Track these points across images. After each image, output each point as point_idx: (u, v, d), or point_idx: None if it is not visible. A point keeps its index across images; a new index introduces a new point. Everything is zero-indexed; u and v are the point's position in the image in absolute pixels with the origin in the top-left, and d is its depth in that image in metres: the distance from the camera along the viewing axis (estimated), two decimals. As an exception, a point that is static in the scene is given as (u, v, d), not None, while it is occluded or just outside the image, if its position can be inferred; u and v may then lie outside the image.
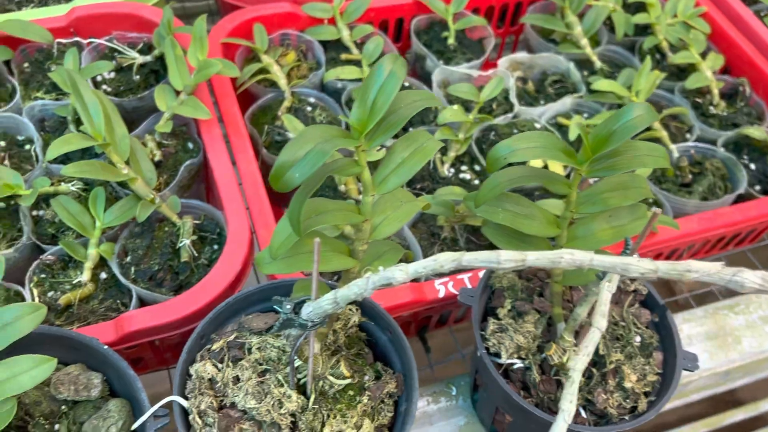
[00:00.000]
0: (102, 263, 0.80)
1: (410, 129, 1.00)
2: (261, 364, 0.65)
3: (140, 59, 0.99)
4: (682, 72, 1.15)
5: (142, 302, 0.79)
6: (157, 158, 0.89)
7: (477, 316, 0.70)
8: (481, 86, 0.97)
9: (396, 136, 0.94)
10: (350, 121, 0.52)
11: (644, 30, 1.19)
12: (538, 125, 1.02)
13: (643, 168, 0.61)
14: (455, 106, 0.93)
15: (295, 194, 0.52)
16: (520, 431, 0.74)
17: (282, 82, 0.99)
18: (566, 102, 1.06)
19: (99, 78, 0.99)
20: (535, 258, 0.40)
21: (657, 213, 0.51)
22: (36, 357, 0.57)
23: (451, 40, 1.12)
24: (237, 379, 0.64)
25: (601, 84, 1.04)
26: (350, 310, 0.69)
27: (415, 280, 0.83)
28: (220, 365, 0.65)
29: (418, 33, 1.14)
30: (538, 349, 0.71)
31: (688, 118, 1.07)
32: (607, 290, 0.60)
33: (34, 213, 0.84)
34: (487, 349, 0.69)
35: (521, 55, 1.12)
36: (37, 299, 0.76)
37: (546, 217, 0.64)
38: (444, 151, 0.97)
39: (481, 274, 0.75)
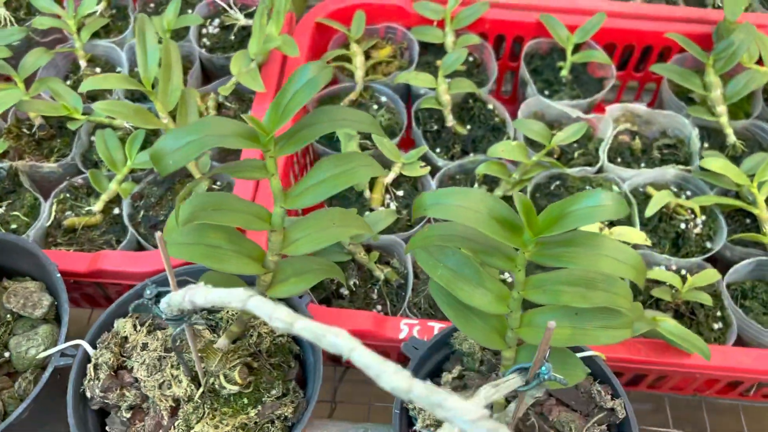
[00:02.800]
0: (120, 200, 0.85)
1: (469, 150, 0.92)
2: (173, 341, 0.64)
3: (242, 21, 1.03)
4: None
5: (140, 246, 0.82)
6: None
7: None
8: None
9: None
10: (260, 124, 0.48)
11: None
12: (617, 188, 0.88)
13: (616, 271, 0.48)
14: (514, 142, 0.83)
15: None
16: None
17: (358, 73, 0.96)
18: (668, 172, 0.90)
19: (204, 30, 1.04)
20: (303, 326, 0.34)
21: (551, 328, 0.41)
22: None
23: (564, 72, 1.01)
24: (145, 346, 0.64)
25: (712, 162, 0.86)
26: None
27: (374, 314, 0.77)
28: (139, 327, 0.65)
29: (533, 57, 1.04)
30: None
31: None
32: (529, 396, 0.51)
33: (92, 139, 0.91)
34: (407, 409, 0.62)
35: (639, 107, 0.98)
36: (52, 216, 0.82)
37: (497, 289, 0.54)
38: (492, 188, 0.87)
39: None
